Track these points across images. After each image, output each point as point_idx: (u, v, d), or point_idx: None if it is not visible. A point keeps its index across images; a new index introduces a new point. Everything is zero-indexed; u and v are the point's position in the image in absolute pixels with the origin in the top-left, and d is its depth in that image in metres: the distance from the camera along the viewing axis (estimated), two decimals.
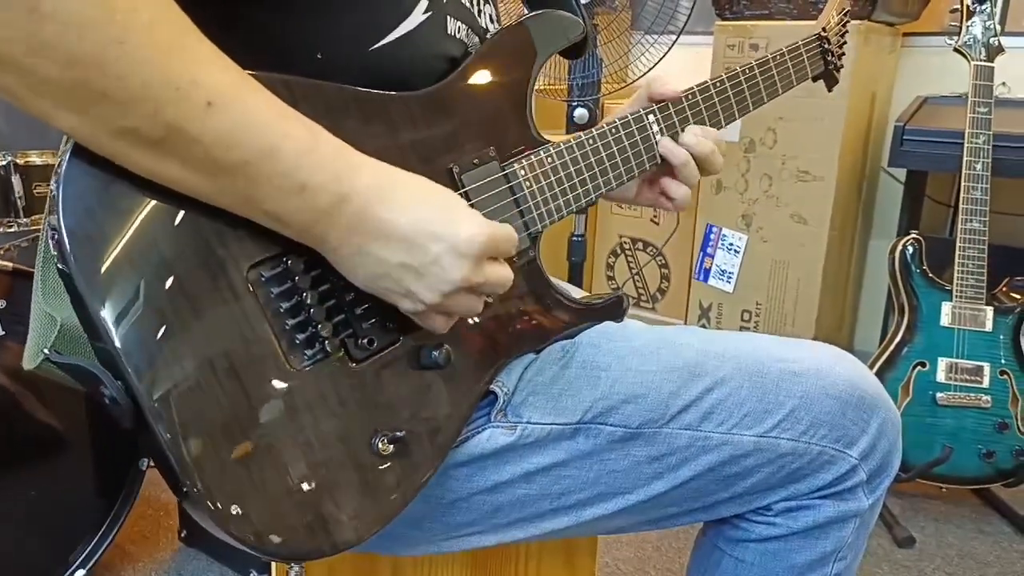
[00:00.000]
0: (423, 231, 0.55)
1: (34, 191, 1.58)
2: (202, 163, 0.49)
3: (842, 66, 0.95)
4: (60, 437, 1.32)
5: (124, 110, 0.46)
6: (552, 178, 0.70)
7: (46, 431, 1.31)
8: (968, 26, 1.67)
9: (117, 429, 1.35)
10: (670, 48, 1.84)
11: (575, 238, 1.91)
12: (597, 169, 0.73)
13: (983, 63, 1.65)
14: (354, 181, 0.53)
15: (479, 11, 0.72)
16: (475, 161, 0.66)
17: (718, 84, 0.81)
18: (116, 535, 1.37)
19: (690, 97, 0.79)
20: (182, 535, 1.58)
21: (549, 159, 0.70)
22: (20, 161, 1.55)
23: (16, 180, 1.55)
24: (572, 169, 0.71)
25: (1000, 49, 1.66)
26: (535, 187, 0.69)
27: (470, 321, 0.66)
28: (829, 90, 0.97)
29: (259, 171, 0.50)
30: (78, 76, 0.44)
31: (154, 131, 0.47)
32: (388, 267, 0.56)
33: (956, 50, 1.68)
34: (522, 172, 0.68)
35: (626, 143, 0.75)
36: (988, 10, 1.66)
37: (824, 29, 0.93)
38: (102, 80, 0.44)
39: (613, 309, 0.75)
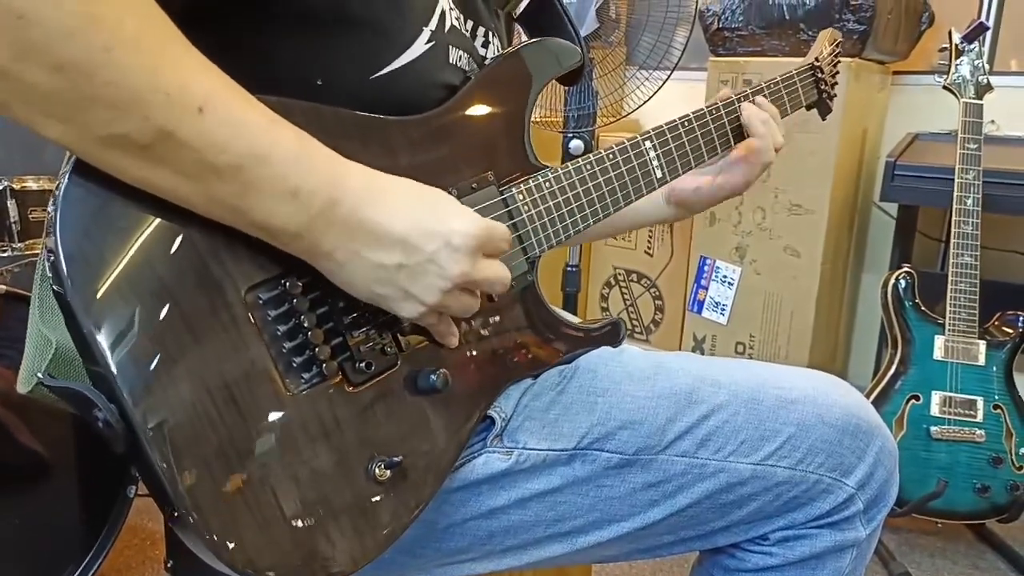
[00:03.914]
0: (417, 229, 0.55)
1: (30, 216, 1.58)
2: (193, 169, 0.48)
3: (835, 95, 0.97)
4: (45, 464, 1.30)
5: (113, 116, 0.45)
6: (550, 203, 0.70)
7: (31, 457, 1.29)
8: (957, 65, 1.70)
9: (104, 456, 1.33)
10: (664, 82, 1.86)
11: (569, 268, 1.92)
12: (595, 195, 0.73)
13: (972, 101, 1.68)
14: (345, 184, 0.54)
15: (485, 43, 0.73)
16: (473, 185, 0.66)
17: (714, 111, 0.83)
18: (101, 565, 1.34)
19: (686, 123, 0.80)
20: (168, 565, 1.55)
21: (547, 184, 0.70)
22: (16, 186, 1.55)
23: (12, 205, 1.55)
24: (570, 194, 0.71)
25: (989, 87, 1.69)
26: (533, 212, 0.69)
27: (468, 346, 0.66)
28: (823, 118, 0.99)
29: (251, 176, 0.50)
30: (65, 82, 0.44)
31: (144, 137, 0.46)
32: (385, 271, 0.55)
33: (946, 88, 1.71)
34: (520, 197, 0.69)
35: (623, 169, 0.75)
36: (976, 49, 1.70)
37: (817, 59, 0.95)
38: (90, 86, 0.44)
39: (611, 334, 0.76)
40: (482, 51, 0.73)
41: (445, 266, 0.56)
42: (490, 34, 0.74)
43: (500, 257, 0.61)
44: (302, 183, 0.51)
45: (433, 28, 0.65)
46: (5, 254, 1.56)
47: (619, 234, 0.94)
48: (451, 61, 0.67)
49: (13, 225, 1.56)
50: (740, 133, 0.85)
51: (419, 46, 0.64)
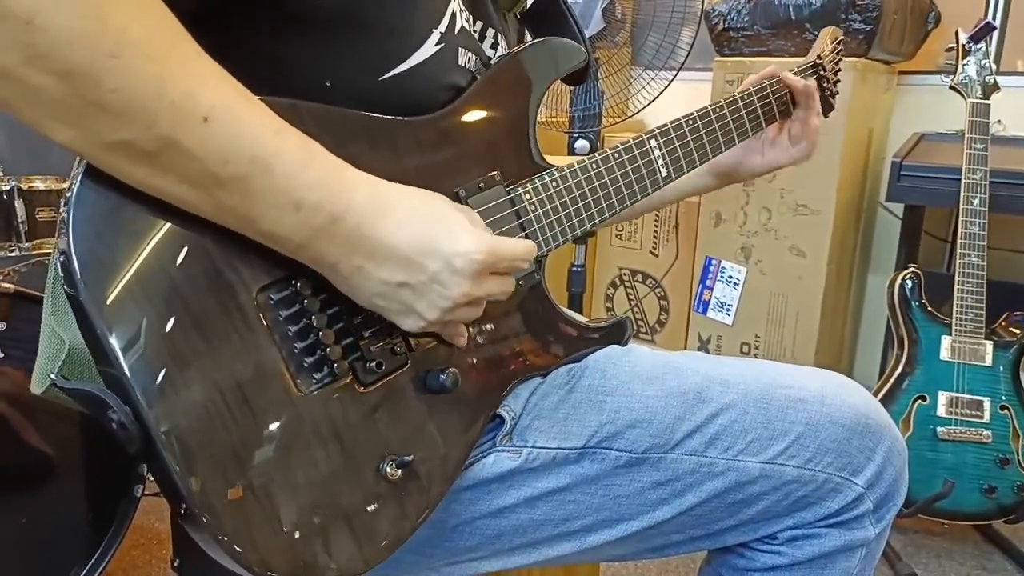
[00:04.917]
0: (421, 248, 0.55)
1: (37, 216, 1.59)
2: (197, 177, 0.49)
3: (837, 92, 0.97)
4: (52, 463, 1.31)
5: (119, 122, 0.46)
6: (557, 202, 0.70)
7: (38, 457, 1.29)
8: (963, 65, 1.70)
9: (111, 456, 1.32)
10: (669, 83, 1.86)
11: (575, 268, 1.92)
12: (601, 193, 0.73)
13: (979, 100, 1.68)
14: (349, 198, 0.53)
15: (494, 44, 0.73)
16: (480, 185, 0.66)
17: (718, 110, 0.83)
18: (107, 564, 1.35)
19: (691, 122, 0.80)
20: (175, 564, 1.55)
21: (553, 183, 0.70)
22: (24, 186, 1.56)
23: (19, 205, 1.56)
24: (576, 193, 0.72)
25: (996, 87, 1.69)
26: (540, 211, 0.69)
27: (477, 345, 0.66)
28: (825, 116, 0.99)
29: (254, 187, 0.50)
30: (72, 88, 0.44)
31: (149, 144, 0.47)
32: (387, 286, 0.56)
33: (952, 88, 1.71)
34: (527, 196, 0.69)
35: (628, 167, 0.75)
36: (983, 49, 1.69)
37: (819, 57, 0.95)
38: (96, 92, 0.44)
39: (617, 333, 0.76)
40: (490, 52, 0.73)
41: (447, 286, 0.56)
42: (499, 36, 0.75)
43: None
44: (305, 196, 0.51)
45: (443, 30, 0.65)
46: (13, 254, 1.56)
47: (659, 207, 1.00)
48: (460, 63, 0.68)
49: (20, 225, 1.57)
50: (744, 132, 0.86)
51: (428, 48, 0.64)
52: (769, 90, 0.89)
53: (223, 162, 0.49)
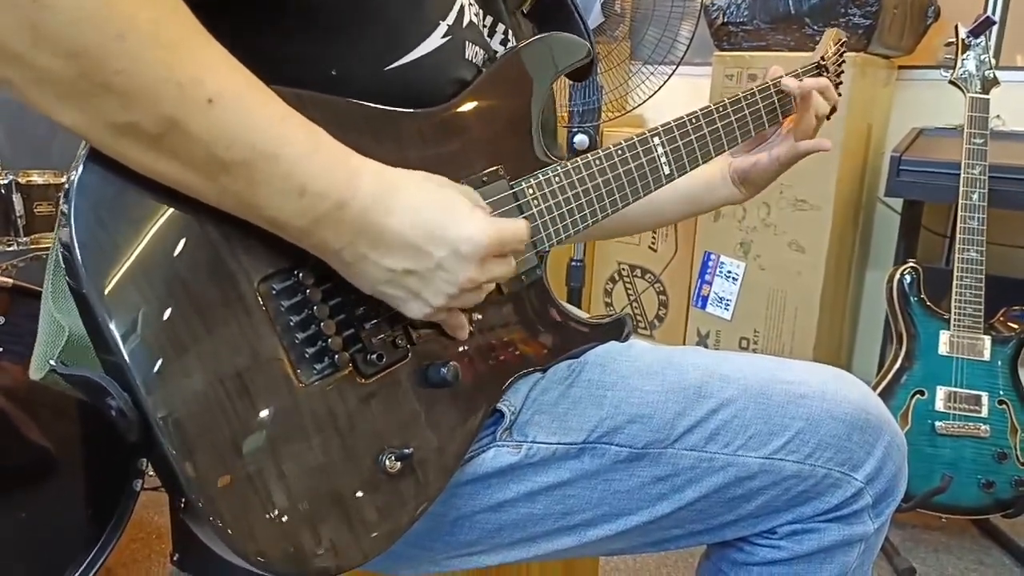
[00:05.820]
0: (426, 235, 0.55)
1: (35, 210, 1.59)
2: (202, 162, 0.49)
3: (839, 95, 0.97)
4: (52, 458, 1.31)
5: (124, 104, 0.46)
6: (560, 197, 0.70)
7: (38, 451, 1.29)
8: (963, 59, 1.70)
9: (110, 451, 1.32)
10: (668, 77, 1.86)
11: (574, 263, 1.92)
12: (604, 190, 0.73)
13: (978, 95, 1.68)
14: (355, 185, 0.53)
15: (504, 40, 0.73)
16: (484, 179, 0.66)
17: (721, 109, 0.83)
18: (107, 558, 1.35)
19: (694, 121, 0.80)
20: (174, 558, 1.56)
21: (557, 179, 0.70)
22: (22, 180, 1.56)
23: (17, 199, 1.56)
24: (580, 189, 0.71)
25: (995, 82, 1.69)
26: (543, 206, 0.69)
27: (478, 339, 0.66)
28: (827, 118, 0.99)
29: (259, 172, 0.50)
30: (79, 69, 0.44)
31: (154, 126, 0.47)
32: (393, 273, 0.56)
33: (951, 82, 1.71)
34: (530, 191, 0.69)
35: (632, 164, 0.75)
36: (983, 44, 1.69)
37: (823, 58, 0.95)
38: (102, 74, 0.44)
39: (617, 329, 0.76)
40: (499, 48, 0.73)
41: (453, 271, 0.56)
42: (509, 32, 0.74)
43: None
44: (310, 182, 0.51)
45: (451, 22, 0.65)
46: (11, 248, 1.56)
47: (699, 214, 1.05)
48: (467, 57, 0.67)
49: (19, 220, 1.57)
50: (747, 131, 0.86)
51: (435, 39, 0.64)
52: (772, 90, 0.88)
53: (227, 146, 0.48)
